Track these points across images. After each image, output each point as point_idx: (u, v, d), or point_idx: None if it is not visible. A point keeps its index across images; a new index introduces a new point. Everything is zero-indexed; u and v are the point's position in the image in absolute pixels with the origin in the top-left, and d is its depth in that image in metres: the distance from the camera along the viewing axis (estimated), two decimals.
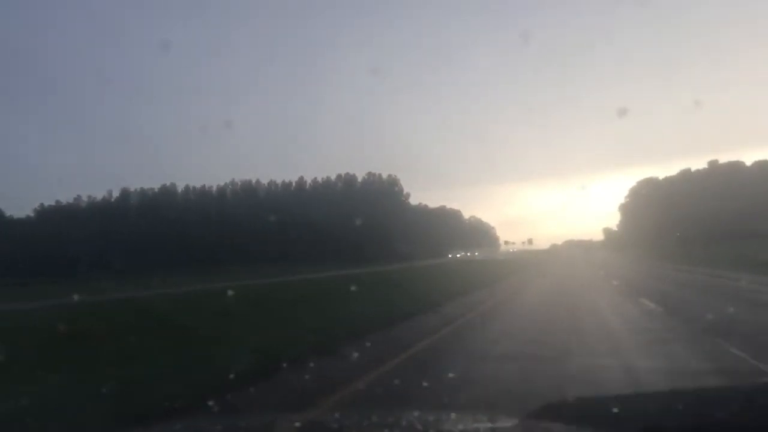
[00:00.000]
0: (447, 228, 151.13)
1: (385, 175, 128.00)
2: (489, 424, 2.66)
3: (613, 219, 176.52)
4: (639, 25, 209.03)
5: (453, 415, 2.75)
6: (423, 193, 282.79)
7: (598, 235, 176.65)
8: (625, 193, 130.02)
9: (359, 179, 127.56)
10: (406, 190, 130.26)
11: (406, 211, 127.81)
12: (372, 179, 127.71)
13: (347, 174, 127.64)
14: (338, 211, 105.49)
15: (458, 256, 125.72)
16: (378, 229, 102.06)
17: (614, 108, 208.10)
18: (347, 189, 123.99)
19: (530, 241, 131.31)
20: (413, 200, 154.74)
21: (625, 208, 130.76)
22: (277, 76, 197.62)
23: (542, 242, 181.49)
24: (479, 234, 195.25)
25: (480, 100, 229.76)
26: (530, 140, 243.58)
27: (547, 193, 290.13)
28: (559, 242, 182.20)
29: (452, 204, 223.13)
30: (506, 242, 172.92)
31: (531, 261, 72.71)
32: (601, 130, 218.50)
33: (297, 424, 2.61)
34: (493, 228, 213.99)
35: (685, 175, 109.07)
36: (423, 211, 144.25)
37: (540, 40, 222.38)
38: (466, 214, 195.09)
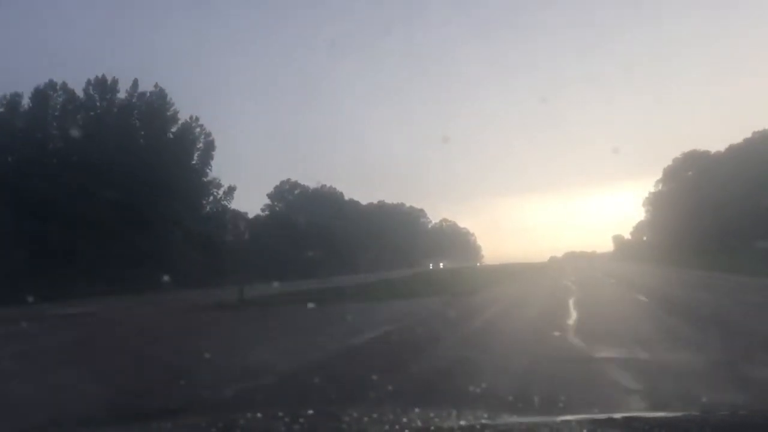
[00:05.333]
0: (390, 232, 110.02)
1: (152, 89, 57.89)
2: (489, 422, 2.68)
3: (623, 228, 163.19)
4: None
5: (454, 412, 2.76)
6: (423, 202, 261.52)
7: (602, 247, 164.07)
8: (658, 178, 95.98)
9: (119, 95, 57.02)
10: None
11: (204, 186, 61.67)
12: (135, 97, 57.62)
13: (65, 85, 54.84)
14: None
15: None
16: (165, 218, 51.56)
17: (618, 107, 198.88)
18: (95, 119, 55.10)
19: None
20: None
21: (654, 201, 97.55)
22: None
23: (540, 255, 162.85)
24: (454, 242, 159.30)
25: (475, 103, 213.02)
26: (527, 142, 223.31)
27: (545, 201, 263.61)
28: (559, 254, 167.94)
29: (457, 218, 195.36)
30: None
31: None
32: (604, 130, 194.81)
33: (299, 420, 2.72)
34: (472, 235, 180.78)
35: (760, 141, 70.46)
36: (337, 204, 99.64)
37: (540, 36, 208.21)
38: (443, 220, 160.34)
